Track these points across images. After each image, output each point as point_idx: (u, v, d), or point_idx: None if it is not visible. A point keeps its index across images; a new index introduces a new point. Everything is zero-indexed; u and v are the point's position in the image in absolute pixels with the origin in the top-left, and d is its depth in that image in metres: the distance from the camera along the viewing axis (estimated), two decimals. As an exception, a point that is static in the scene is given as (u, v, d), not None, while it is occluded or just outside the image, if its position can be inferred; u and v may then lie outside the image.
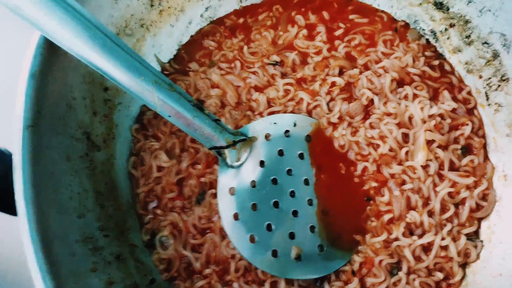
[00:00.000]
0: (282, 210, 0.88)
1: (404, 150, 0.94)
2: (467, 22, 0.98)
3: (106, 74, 0.76)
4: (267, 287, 0.89)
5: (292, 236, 0.87)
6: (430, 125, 0.93)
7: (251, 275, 0.90)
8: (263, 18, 1.12)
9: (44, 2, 0.71)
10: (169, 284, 0.93)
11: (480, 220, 0.93)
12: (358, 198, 0.93)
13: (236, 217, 0.88)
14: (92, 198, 0.87)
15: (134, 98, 0.86)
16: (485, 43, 0.96)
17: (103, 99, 0.96)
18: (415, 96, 0.98)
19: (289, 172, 0.91)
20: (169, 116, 0.81)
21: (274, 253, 0.86)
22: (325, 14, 1.10)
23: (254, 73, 1.04)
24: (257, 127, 0.93)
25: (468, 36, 0.99)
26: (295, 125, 0.94)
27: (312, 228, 0.88)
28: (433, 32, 1.06)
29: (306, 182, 0.91)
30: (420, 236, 0.89)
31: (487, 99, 0.98)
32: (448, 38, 1.04)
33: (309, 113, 0.99)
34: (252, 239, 0.87)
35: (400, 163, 0.94)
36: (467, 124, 0.96)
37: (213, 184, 0.95)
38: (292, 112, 0.99)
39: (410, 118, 0.96)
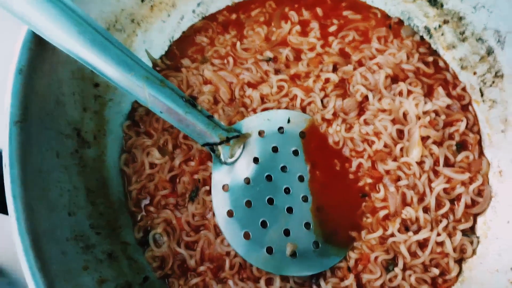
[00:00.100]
0: (277, 206, 0.87)
1: (399, 146, 0.93)
2: (461, 18, 0.98)
3: (96, 69, 0.75)
4: (262, 284, 0.88)
5: (287, 233, 0.87)
6: (424, 121, 0.93)
7: (246, 272, 0.89)
8: (256, 14, 1.12)
9: (33, -5, 0.70)
10: (162, 282, 0.92)
11: (476, 216, 0.92)
12: (353, 194, 0.92)
13: (230, 214, 0.87)
14: (83, 196, 0.86)
15: (125, 94, 0.85)
16: (479, 39, 0.96)
17: (93, 95, 0.95)
18: (409, 92, 0.98)
19: (283, 168, 0.90)
20: (161, 112, 0.80)
21: (269, 250, 0.86)
22: (319, 11, 1.10)
23: (247, 69, 1.03)
24: (251, 124, 0.92)
25: (462, 33, 0.99)
26: (289, 121, 0.94)
27: (307, 225, 0.88)
28: (427, 29, 1.06)
29: (301, 178, 0.90)
30: (416, 232, 0.89)
31: (482, 95, 0.98)
32: (442, 35, 1.04)
33: (303, 109, 0.98)
34: (246, 236, 0.86)
35: (395, 159, 0.93)
36: (461, 120, 0.96)
37: (206, 181, 0.94)
38: (286, 108, 0.98)
39: (404, 114, 0.96)
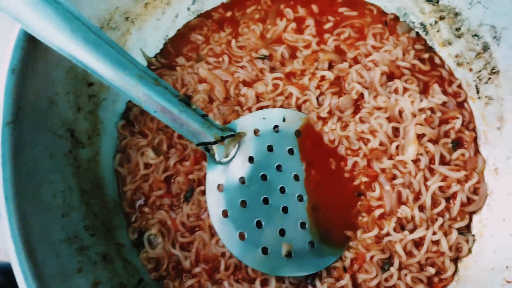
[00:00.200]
0: (272, 206, 0.87)
1: (394, 144, 0.93)
2: (457, 14, 0.98)
3: (88, 68, 0.75)
4: (258, 285, 0.88)
5: (282, 233, 0.86)
6: (420, 119, 0.93)
7: (241, 273, 0.89)
8: (251, 11, 1.11)
9: (24, -7, 0.69)
10: (157, 284, 0.92)
11: (471, 214, 0.92)
12: (348, 193, 0.92)
13: (225, 214, 0.86)
14: (76, 197, 0.86)
15: (119, 94, 0.84)
16: (475, 35, 0.95)
17: (87, 95, 0.94)
18: (405, 89, 0.97)
19: (278, 168, 0.90)
20: (155, 112, 0.80)
21: (264, 251, 0.85)
22: (314, 7, 1.09)
23: (242, 67, 1.03)
24: (246, 123, 0.92)
25: (458, 29, 0.99)
26: (284, 120, 0.93)
27: (302, 225, 0.87)
28: (423, 25, 1.05)
29: (296, 177, 0.90)
30: (412, 231, 0.89)
31: (478, 92, 0.97)
32: (438, 31, 1.03)
33: (298, 107, 0.98)
34: (241, 237, 0.85)
35: (390, 158, 0.93)
36: (457, 118, 0.96)
37: (201, 181, 0.94)
38: (281, 107, 0.98)
39: (400, 112, 0.95)
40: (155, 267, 0.91)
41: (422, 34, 1.06)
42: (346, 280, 0.87)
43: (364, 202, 0.91)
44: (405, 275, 0.87)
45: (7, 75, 0.73)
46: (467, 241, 0.90)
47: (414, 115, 0.94)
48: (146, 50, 1.06)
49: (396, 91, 0.97)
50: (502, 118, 0.93)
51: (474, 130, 0.97)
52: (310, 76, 1.00)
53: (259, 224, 0.86)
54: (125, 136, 1.00)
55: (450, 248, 0.88)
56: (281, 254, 0.85)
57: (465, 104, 0.99)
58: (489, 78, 0.94)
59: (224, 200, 0.87)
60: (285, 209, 0.87)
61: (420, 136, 0.92)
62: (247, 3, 1.12)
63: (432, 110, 0.95)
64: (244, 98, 0.99)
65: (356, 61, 1.02)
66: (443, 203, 0.90)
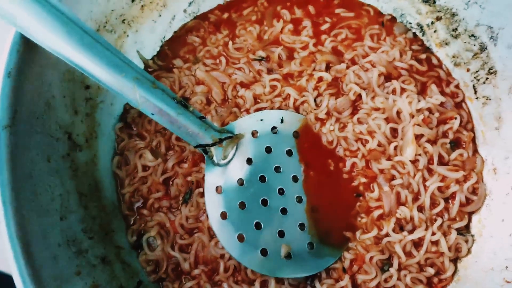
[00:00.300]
0: (271, 208, 0.87)
1: (393, 145, 0.93)
2: (453, 14, 0.98)
3: (85, 71, 0.74)
4: (257, 287, 0.88)
5: (281, 234, 0.86)
6: (418, 120, 0.93)
7: (240, 274, 0.89)
8: (248, 13, 1.11)
9: (19, -4, 0.69)
10: (157, 286, 0.91)
11: (470, 214, 0.92)
12: (347, 194, 0.92)
13: (224, 216, 0.86)
14: (74, 200, 0.85)
15: (117, 96, 0.84)
16: (472, 35, 0.96)
17: (84, 98, 0.93)
18: (402, 90, 0.97)
19: (277, 169, 0.89)
20: (152, 114, 0.80)
21: (264, 252, 0.85)
22: (311, 9, 1.09)
23: (239, 69, 1.03)
24: (244, 124, 0.91)
25: (455, 29, 0.99)
26: (282, 121, 0.93)
27: (301, 226, 0.87)
28: (420, 26, 1.06)
29: (295, 179, 0.89)
30: (411, 232, 0.89)
31: (475, 92, 0.97)
32: (435, 32, 1.03)
33: (296, 109, 0.98)
34: (240, 238, 0.85)
35: (389, 158, 0.93)
36: (455, 118, 0.96)
37: (200, 183, 0.93)
38: (279, 108, 0.98)
39: (398, 113, 0.95)
40: (154, 269, 0.91)
41: (419, 34, 1.06)
42: (346, 281, 0.87)
43: (363, 203, 0.91)
44: (405, 275, 0.87)
45: (3, 79, 0.72)
46: (467, 242, 0.90)
47: (412, 116, 0.94)
48: (143, 53, 1.05)
49: (393, 91, 0.97)
50: (500, 118, 0.93)
51: (472, 130, 0.97)
52: (307, 77, 1.00)
53: (258, 226, 0.86)
54: (122, 138, 0.99)
55: (449, 249, 0.88)
56: (280, 256, 0.85)
57: (463, 105, 0.99)
58: (487, 78, 0.94)
59: (222, 202, 0.87)
60: (284, 211, 0.87)
61: (418, 137, 0.92)
62: (244, 4, 1.12)
63: (430, 110, 0.95)
64: (242, 100, 0.99)
65: (353, 62, 1.02)
66: (442, 204, 0.90)
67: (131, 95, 0.77)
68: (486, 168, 0.94)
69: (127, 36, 1.03)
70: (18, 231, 0.67)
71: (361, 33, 1.06)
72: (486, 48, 0.94)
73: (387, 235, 0.89)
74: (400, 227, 0.89)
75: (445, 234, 0.89)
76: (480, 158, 0.94)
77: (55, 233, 0.76)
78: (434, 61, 1.04)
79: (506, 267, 0.81)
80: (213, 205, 0.87)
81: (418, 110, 0.94)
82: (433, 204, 0.91)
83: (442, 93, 0.99)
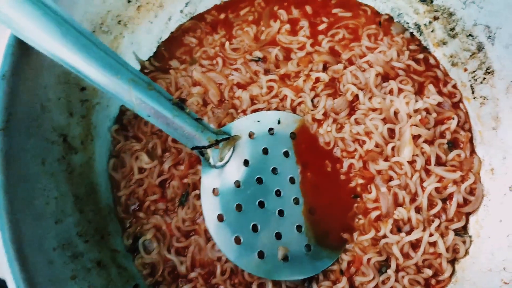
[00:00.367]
0: (268, 210, 0.86)
1: (390, 145, 0.93)
2: (451, 14, 0.98)
3: (80, 73, 0.74)
4: (254, 289, 0.87)
5: (278, 236, 0.86)
6: (415, 120, 0.92)
7: (237, 277, 0.88)
8: (245, 13, 1.10)
9: (13, -3, 0.68)
10: (153, 290, 0.91)
11: (468, 215, 0.92)
12: (345, 195, 0.92)
13: (220, 218, 0.86)
14: (70, 203, 0.85)
15: (112, 98, 0.83)
16: (470, 35, 0.95)
17: (80, 100, 0.93)
18: (400, 90, 0.97)
19: (274, 170, 0.89)
20: (148, 116, 0.79)
21: (261, 254, 0.85)
22: (308, 9, 1.09)
23: (236, 69, 1.02)
24: (240, 126, 0.91)
25: (452, 29, 0.99)
26: (279, 122, 0.93)
27: (298, 228, 0.87)
28: (417, 25, 1.05)
29: (292, 180, 0.89)
30: (408, 233, 0.88)
31: (473, 92, 0.97)
32: (432, 31, 1.03)
33: (293, 110, 0.97)
34: (237, 241, 0.85)
35: (386, 159, 0.93)
36: (453, 118, 0.96)
37: (196, 185, 0.93)
38: (276, 109, 0.97)
39: (395, 113, 0.95)
40: (150, 273, 0.91)
41: (417, 34, 1.06)
42: (343, 283, 0.86)
43: (360, 204, 0.91)
44: (403, 277, 0.87)
45: (-3, 81, 0.72)
46: (464, 242, 0.89)
47: (410, 116, 0.94)
48: (139, 54, 1.05)
49: (391, 92, 0.97)
50: (497, 118, 0.92)
51: (469, 130, 0.97)
52: (304, 78, 0.99)
53: (255, 228, 0.85)
54: (118, 140, 0.99)
55: (447, 250, 0.88)
56: (278, 258, 0.84)
57: (461, 105, 0.99)
58: (484, 78, 0.94)
59: (219, 204, 0.86)
60: (281, 212, 0.87)
61: (415, 137, 0.92)
62: (241, 5, 1.12)
63: (427, 110, 0.95)
64: (239, 101, 0.99)
65: (350, 62, 1.02)
66: (440, 204, 0.90)
67: (127, 97, 0.77)
68: (483, 168, 0.93)
69: (123, 37, 1.02)
70: (12, 235, 0.67)
71: (359, 33, 1.06)
72: (483, 47, 0.93)
73: (384, 236, 0.88)
74: (397, 228, 0.89)
75: (442, 235, 0.89)
76: (477, 158, 0.94)
77: (50, 237, 0.76)
78: (432, 61, 1.03)
79: (504, 268, 0.81)
80: (210, 207, 0.86)
81: (416, 111, 0.94)
82: (431, 205, 0.91)
83: (440, 93, 0.99)
